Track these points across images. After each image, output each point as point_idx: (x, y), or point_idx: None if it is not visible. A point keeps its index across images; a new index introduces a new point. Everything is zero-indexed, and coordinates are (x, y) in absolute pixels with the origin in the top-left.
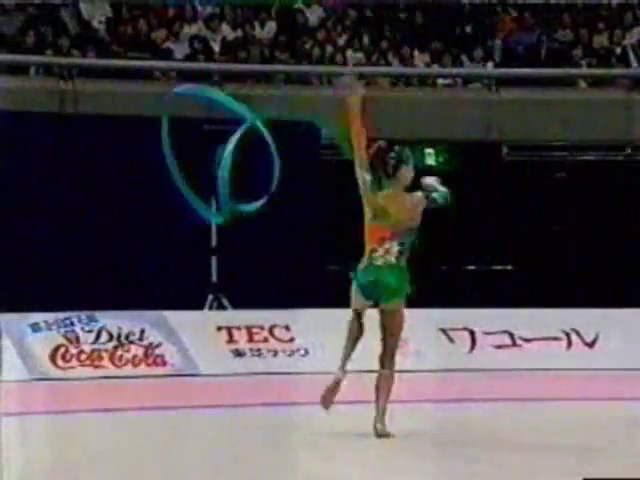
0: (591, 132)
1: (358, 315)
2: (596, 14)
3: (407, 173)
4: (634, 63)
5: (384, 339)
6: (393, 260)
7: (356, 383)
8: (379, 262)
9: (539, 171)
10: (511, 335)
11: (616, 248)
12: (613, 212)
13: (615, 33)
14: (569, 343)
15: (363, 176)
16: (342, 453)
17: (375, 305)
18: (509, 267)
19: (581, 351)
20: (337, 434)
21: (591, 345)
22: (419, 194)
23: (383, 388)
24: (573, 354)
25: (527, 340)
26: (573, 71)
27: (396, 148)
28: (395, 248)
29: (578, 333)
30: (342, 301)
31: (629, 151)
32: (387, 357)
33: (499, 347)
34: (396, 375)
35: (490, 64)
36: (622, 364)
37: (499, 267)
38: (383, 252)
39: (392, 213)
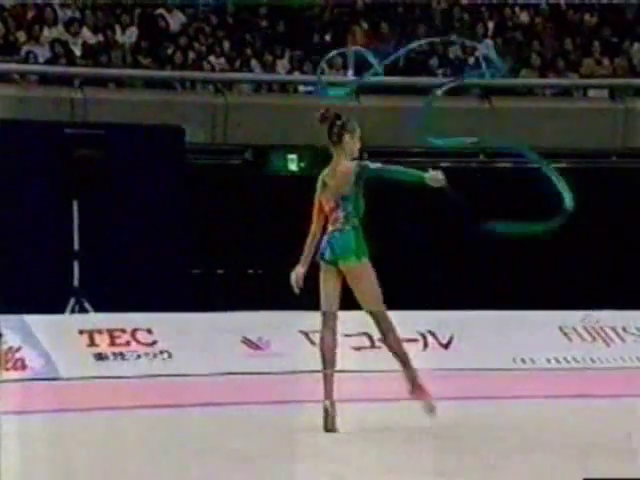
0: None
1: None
2: (449, 26)
3: (351, 141)
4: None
5: (363, 306)
6: (339, 226)
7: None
8: (330, 229)
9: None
10: (370, 337)
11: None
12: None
13: (467, 44)
14: (425, 344)
15: None
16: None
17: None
18: None
19: (436, 352)
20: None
21: (446, 346)
22: (350, 163)
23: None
24: (429, 355)
25: None
26: (429, 80)
27: (343, 117)
28: (340, 215)
29: (434, 335)
30: (205, 304)
31: (482, 158)
32: (376, 321)
33: (358, 349)
34: (259, 377)
35: (350, 72)
36: (475, 364)
37: None
38: (332, 221)
39: (329, 183)
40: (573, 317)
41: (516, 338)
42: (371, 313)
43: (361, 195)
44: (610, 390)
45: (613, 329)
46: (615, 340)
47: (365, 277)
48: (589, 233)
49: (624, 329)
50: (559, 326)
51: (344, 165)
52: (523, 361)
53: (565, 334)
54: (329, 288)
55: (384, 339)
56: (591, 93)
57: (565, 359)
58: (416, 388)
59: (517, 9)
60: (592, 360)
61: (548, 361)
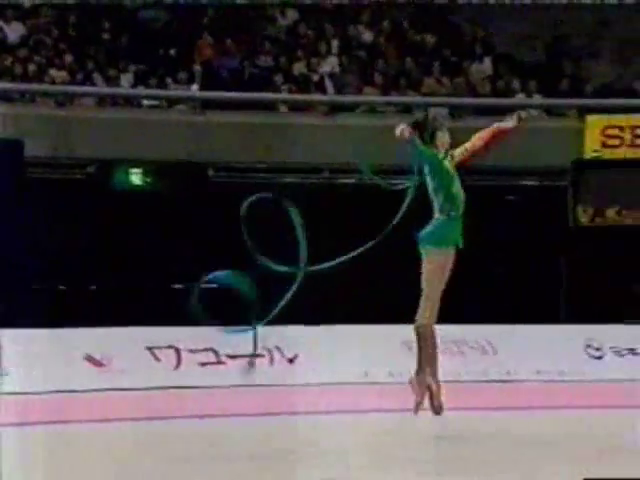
0: (292, 155)
1: None
2: (295, 42)
3: (443, 138)
4: (330, 89)
5: None
6: (436, 215)
7: None
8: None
9: (245, 193)
10: (216, 352)
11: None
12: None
13: (312, 61)
14: (271, 359)
15: None
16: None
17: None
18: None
19: (282, 367)
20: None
21: (291, 361)
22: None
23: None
24: (275, 370)
25: (232, 357)
26: (275, 96)
27: (430, 117)
28: (436, 206)
29: (280, 350)
30: (46, 320)
31: (327, 174)
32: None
33: (204, 364)
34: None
35: (195, 86)
36: (325, 378)
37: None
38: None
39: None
40: None
41: (361, 352)
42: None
43: (453, 186)
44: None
45: (455, 343)
46: (457, 354)
47: (424, 264)
48: None
49: (465, 342)
50: (403, 340)
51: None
52: (366, 375)
53: (409, 348)
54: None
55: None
56: (431, 112)
57: (410, 373)
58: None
59: (361, 28)
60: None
61: (391, 375)
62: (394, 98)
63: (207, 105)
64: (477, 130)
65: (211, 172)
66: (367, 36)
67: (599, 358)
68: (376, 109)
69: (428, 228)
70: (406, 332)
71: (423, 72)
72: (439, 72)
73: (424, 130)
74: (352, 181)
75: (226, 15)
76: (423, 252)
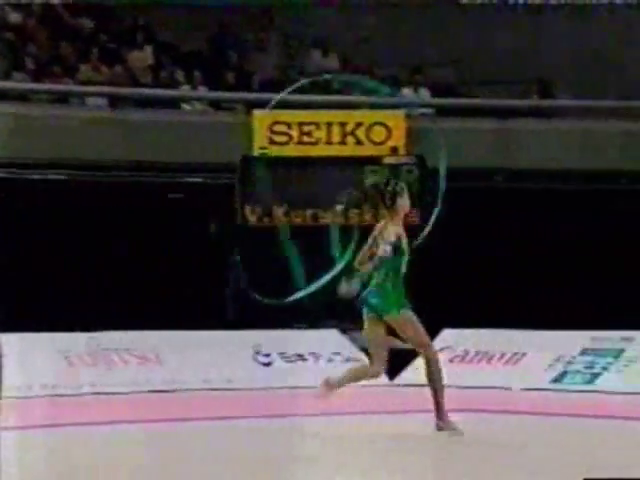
0: None
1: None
2: None
3: (403, 203)
4: None
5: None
6: (380, 282)
7: None
8: (373, 282)
9: None
10: None
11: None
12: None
13: None
14: None
15: None
16: None
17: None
18: None
19: None
20: None
21: None
22: (394, 230)
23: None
24: None
25: None
26: None
27: (391, 182)
28: (382, 272)
29: None
30: None
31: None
32: (419, 350)
33: None
34: None
35: None
36: None
37: None
38: (376, 276)
39: (379, 243)
40: (76, 340)
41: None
42: (406, 340)
43: (405, 254)
44: (109, 416)
45: (116, 351)
46: (118, 363)
47: (407, 326)
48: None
49: (127, 351)
50: (59, 349)
51: (388, 231)
52: (30, 388)
53: (66, 357)
54: (373, 334)
55: (428, 373)
56: (90, 101)
57: (65, 385)
58: (443, 417)
59: (7, 8)
60: (93, 385)
61: (44, 387)
62: (47, 86)
63: None
64: (140, 123)
65: None
66: (15, 17)
67: (268, 365)
68: (27, 97)
69: (381, 299)
70: (65, 340)
71: (79, 58)
72: (97, 59)
73: (384, 195)
74: (38, 177)
75: None
76: (393, 318)
